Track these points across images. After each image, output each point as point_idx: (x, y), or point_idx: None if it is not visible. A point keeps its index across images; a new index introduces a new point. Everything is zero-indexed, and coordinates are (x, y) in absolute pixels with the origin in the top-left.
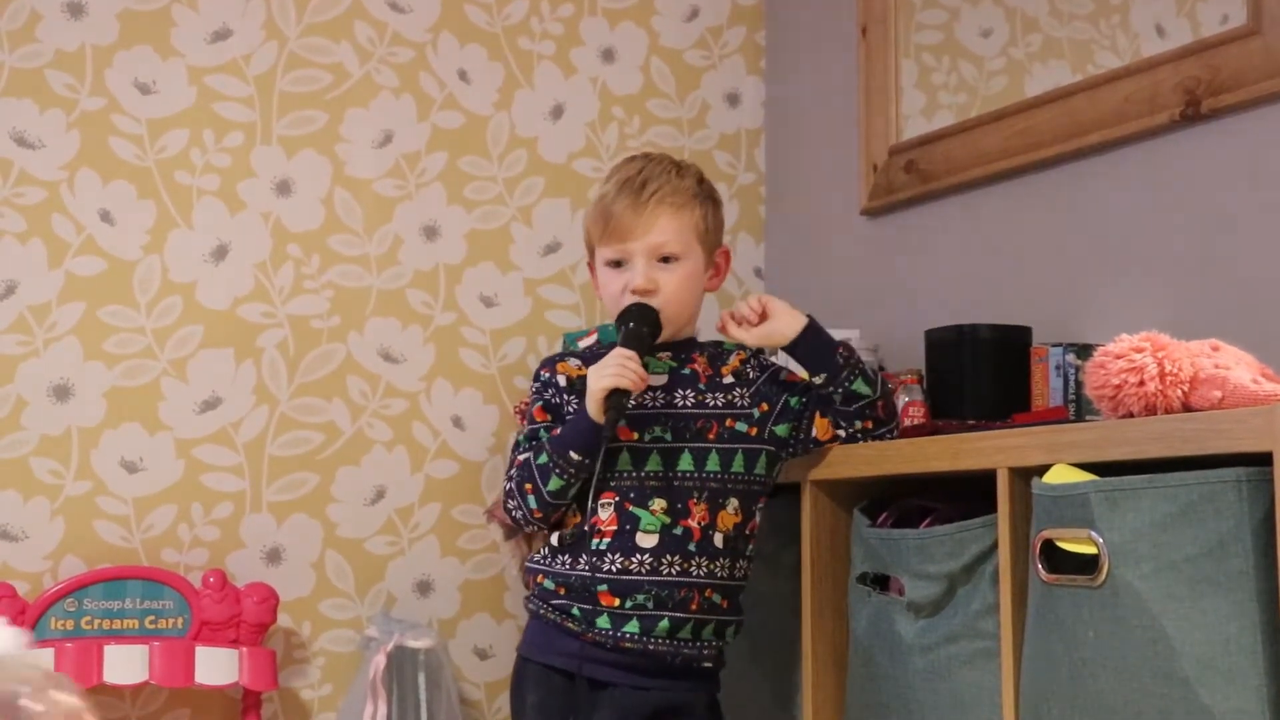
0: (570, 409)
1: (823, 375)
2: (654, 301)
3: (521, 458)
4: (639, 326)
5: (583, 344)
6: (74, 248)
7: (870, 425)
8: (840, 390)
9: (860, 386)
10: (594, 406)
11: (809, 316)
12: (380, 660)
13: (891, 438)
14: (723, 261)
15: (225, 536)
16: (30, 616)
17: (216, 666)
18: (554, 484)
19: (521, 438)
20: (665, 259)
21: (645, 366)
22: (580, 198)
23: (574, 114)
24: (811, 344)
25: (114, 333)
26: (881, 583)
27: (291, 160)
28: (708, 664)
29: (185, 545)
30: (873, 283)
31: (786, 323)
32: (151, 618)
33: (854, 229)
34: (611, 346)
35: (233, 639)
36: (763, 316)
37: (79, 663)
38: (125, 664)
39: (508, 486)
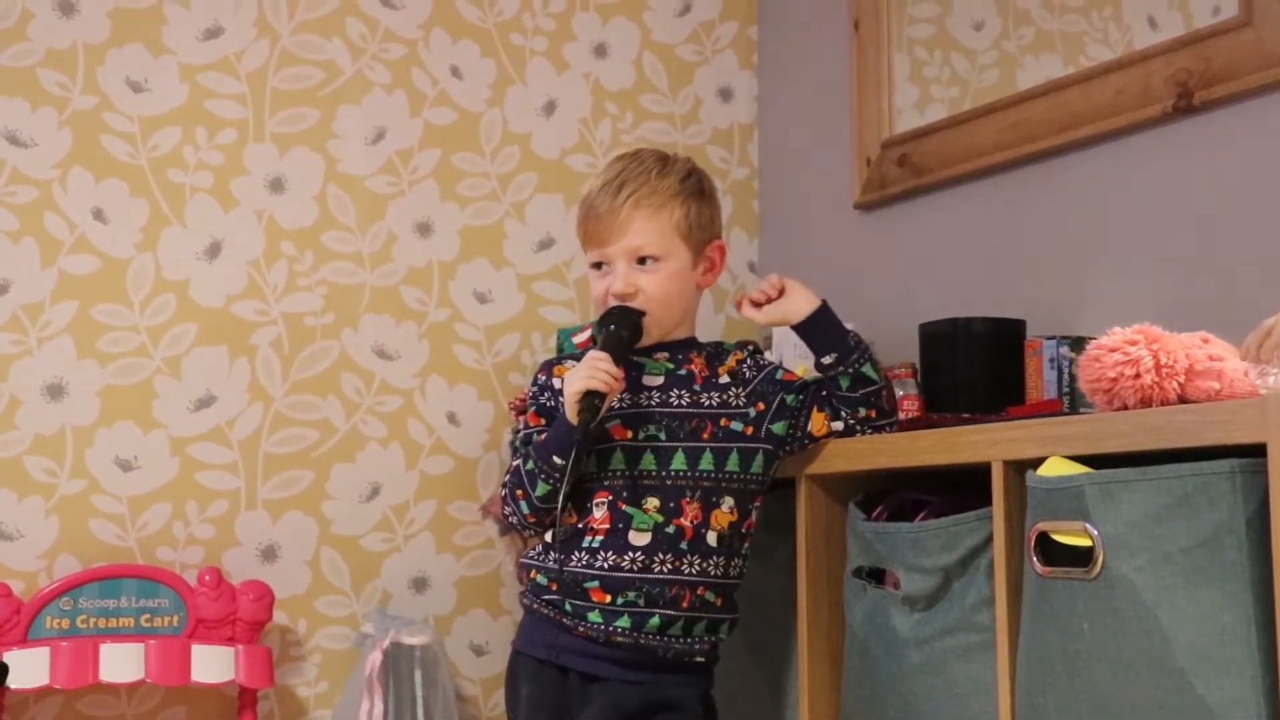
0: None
1: (833, 355)
2: (636, 304)
3: (515, 463)
4: (618, 330)
5: (577, 340)
6: (67, 246)
7: (874, 414)
8: (850, 371)
9: (869, 370)
10: (570, 410)
11: (823, 300)
12: (376, 657)
13: (890, 431)
14: (717, 256)
15: (220, 534)
16: (25, 616)
17: (212, 664)
18: (541, 489)
19: (518, 442)
20: (645, 259)
21: (640, 368)
22: (573, 193)
23: (566, 110)
24: (823, 325)
25: (107, 331)
26: (877, 576)
27: (284, 157)
28: (700, 659)
29: (180, 543)
30: (866, 276)
31: (800, 301)
32: (147, 616)
33: (847, 223)
34: None
35: (228, 637)
36: (780, 295)
37: (74, 662)
38: (121, 662)
39: (503, 493)
